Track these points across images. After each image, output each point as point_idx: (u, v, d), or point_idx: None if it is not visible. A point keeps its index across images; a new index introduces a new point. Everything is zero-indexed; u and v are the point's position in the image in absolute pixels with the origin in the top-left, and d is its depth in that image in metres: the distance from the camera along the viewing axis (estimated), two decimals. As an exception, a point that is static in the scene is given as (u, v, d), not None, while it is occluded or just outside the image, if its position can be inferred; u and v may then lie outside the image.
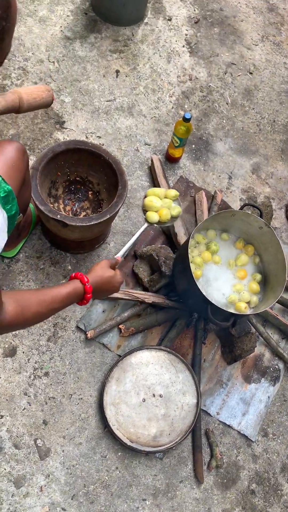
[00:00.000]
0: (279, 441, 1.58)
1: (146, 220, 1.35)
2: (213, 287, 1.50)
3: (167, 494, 1.40)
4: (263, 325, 1.69)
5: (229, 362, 1.61)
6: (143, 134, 1.92)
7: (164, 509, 1.38)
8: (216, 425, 1.53)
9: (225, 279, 1.52)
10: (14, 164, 1.09)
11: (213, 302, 1.35)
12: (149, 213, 1.35)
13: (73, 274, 1.01)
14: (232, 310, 1.43)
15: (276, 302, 1.44)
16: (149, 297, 1.56)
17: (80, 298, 0.99)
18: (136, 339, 1.57)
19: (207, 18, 2.33)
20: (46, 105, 1.38)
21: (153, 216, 1.33)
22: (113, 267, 1.13)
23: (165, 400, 1.47)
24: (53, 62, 1.95)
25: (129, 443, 1.40)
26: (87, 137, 1.84)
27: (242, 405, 1.58)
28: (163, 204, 1.36)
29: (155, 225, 1.34)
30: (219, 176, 1.93)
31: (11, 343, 1.45)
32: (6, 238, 0.62)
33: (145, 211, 1.36)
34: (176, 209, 1.37)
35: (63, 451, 1.36)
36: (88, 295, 0.99)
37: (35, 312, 0.87)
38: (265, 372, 1.64)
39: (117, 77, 2.01)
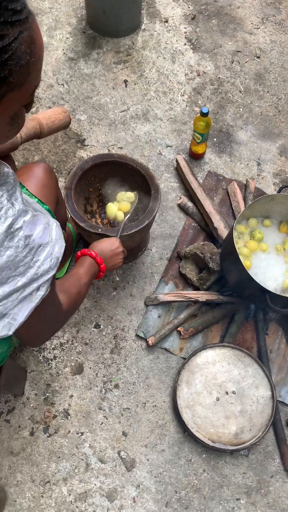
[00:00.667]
0: None
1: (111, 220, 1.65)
2: (265, 275, 1.66)
3: (260, 491, 1.54)
4: None
5: (296, 348, 1.76)
6: (163, 137, 2.14)
7: (260, 506, 1.51)
8: (295, 414, 1.66)
9: (276, 266, 1.68)
10: (45, 184, 1.30)
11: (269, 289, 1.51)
12: (108, 210, 1.64)
13: (79, 252, 1.24)
14: (289, 294, 1.59)
15: None
16: (202, 296, 1.73)
17: (96, 267, 1.22)
18: (197, 339, 1.74)
19: (203, 12, 2.58)
20: (65, 126, 1.61)
21: (112, 209, 1.63)
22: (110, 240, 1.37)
23: (239, 396, 1.62)
24: (62, 84, 2.22)
25: (211, 443, 1.55)
26: (109, 150, 2.07)
27: None
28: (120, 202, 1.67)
29: (123, 218, 1.60)
30: (247, 164, 2.13)
31: (76, 360, 1.63)
32: (64, 244, 0.78)
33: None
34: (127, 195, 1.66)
35: (147, 460, 1.52)
36: (102, 266, 1.23)
37: (75, 293, 1.05)
38: None
39: (126, 86, 2.26)
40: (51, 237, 0.72)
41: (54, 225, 0.75)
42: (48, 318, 0.90)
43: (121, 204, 1.65)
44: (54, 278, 0.80)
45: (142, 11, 2.46)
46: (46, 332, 0.95)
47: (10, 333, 0.71)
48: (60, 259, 0.73)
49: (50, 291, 0.79)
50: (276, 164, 2.15)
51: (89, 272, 1.18)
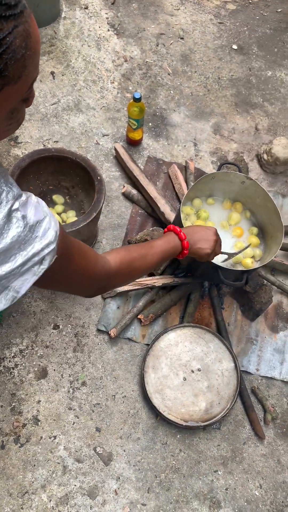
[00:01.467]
0: None
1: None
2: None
3: (235, 459, 1.56)
4: (272, 274, 1.87)
5: (252, 319, 1.78)
6: (98, 127, 2.06)
7: (237, 473, 1.53)
8: (259, 381, 1.69)
9: (224, 241, 1.68)
10: None
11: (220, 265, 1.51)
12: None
13: (171, 226, 1.18)
14: (240, 268, 1.60)
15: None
16: (157, 281, 1.71)
17: (178, 251, 1.18)
18: (158, 324, 1.71)
19: (122, -4, 2.49)
20: None
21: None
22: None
23: (204, 373, 1.63)
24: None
25: (184, 423, 1.54)
26: (44, 145, 1.97)
27: (277, 355, 1.75)
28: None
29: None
30: (185, 146, 2.10)
31: (39, 365, 1.56)
32: (57, 219, 0.80)
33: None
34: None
35: (124, 451, 1.49)
36: (185, 243, 1.17)
37: (137, 259, 1.03)
38: (288, 318, 1.82)
39: (54, 78, 2.15)
40: (45, 213, 0.72)
41: (42, 202, 0.75)
42: (82, 269, 0.88)
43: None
44: (68, 237, 0.81)
45: (60, -1, 2.34)
46: (88, 283, 0.93)
47: (12, 302, 0.73)
48: (58, 232, 0.74)
49: (70, 248, 0.80)
50: (212, 142, 2.14)
51: (166, 246, 1.13)
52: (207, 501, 1.48)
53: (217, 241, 1.29)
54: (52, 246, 0.72)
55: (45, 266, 0.73)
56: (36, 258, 0.71)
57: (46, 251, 0.72)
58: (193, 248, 1.22)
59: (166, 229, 1.20)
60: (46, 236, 0.71)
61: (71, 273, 0.86)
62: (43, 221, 0.71)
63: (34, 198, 0.72)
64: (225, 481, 1.52)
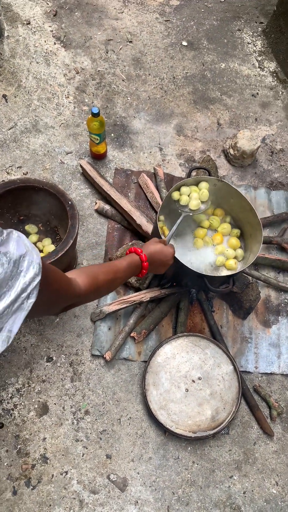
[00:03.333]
0: None
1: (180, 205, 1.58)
2: (198, 259, 1.63)
3: (248, 461, 1.55)
4: (256, 269, 1.86)
5: (243, 317, 1.77)
6: (60, 145, 2.00)
7: (252, 475, 1.53)
8: (259, 378, 1.69)
9: (206, 251, 1.65)
10: None
11: (205, 273, 1.48)
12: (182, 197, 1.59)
13: (133, 249, 1.25)
14: (225, 272, 1.58)
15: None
16: (144, 295, 1.67)
17: (139, 269, 1.24)
18: (152, 338, 1.68)
19: (63, 6, 2.41)
20: None
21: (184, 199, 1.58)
22: (162, 243, 1.37)
23: (205, 380, 1.61)
24: None
25: (193, 435, 1.52)
26: (8, 172, 1.90)
27: (273, 349, 1.74)
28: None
29: (189, 213, 1.56)
30: (150, 152, 2.06)
31: (39, 401, 1.51)
32: (39, 252, 0.79)
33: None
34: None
35: (138, 473, 1.46)
36: (144, 271, 1.23)
37: (104, 280, 1.07)
38: (278, 311, 1.82)
39: (6, 101, 2.06)
40: (26, 247, 0.71)
41: (23, 236, 0.74)
42: (53, 292, 0.87)
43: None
44: (44, 261, 0.79)
45: (0, 17, 2.24)
46: (58, 305, 0.93)
47: (9, 344, 0.71)
48: (41, 264, 0.73)
49: (46, 272, 0.78)
50: (177, 145, 2.11)
51: (128, 266, 1.19)
52: (227, 508, 1.47)
53: (173, 254, 1.39)
54: (38, 279, 0.72)
55: (32, 299, 0.72)
56: (24, 294, 0.70)
57: (33, 284, 0.71)
58: (151, 271, 1.33)
59: (132, 249, 1.27)
60: (31, 270, 0.71)
61: (46, 300, 0.85)
62: (26, 255, 0.71)
63: (15, 233, 0.71)
64: (242, 484, 1.51)
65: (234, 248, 1.63)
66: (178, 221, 1.51)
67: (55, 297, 0.88)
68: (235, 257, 1.62)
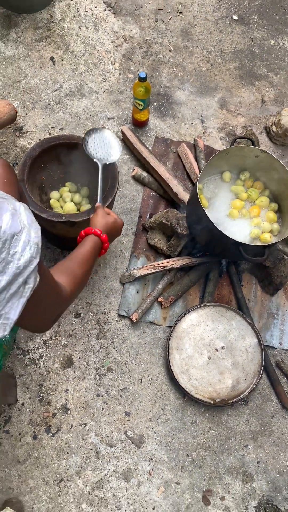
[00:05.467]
0: None
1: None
2: (233, 230, 1.59)
3: (264, 432, 1.53)
4: (288, 247, 1.81)
5: (272, 294, 1.73)
6: (103, 110, 1.98)
7: (267, 446, 1.51)
8: (283, 354, 1.65)
9: (241, 218, 1.61)
10: (6, 180, 1.15)
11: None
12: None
13: (83, 232, 1.12)
14: (259, 243, 1.54)
15: (297, 218, 1.55)
16: (175, 262, 1.65)
17: (100, 249, 1.13)
18: (178, 305, 1.66)
19: (116, -27, 2.36)
20: (12, 120, 1.42)
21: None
22: (108, 212, 1.25)
23: (229, 350, 1.58)
24: (-14, 72, 1.98)
25: (212, 401, 1.51)
26: (50, 133, 1.89)
27: (299, 328, 1.70)
28: None
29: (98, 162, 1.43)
30: (192, 123, 2.01)
31: (64, 354, 1.53)
32: (39, 227, 0.68)
33: None
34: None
35: (155, 433, 1.46)
36: (106, 245, 1.12)
37: (81, 274, 0.99)
38: (308, 290, 1.76)
39: (54, 64, 2.05)
40: (22, 223, 0.61)
41: (22, 208, 0.64)
42: (49, 304, 0.81)
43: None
44: (42, 265, 0.71)
45: (53, -19, 2.22)
46: (50, 317, 0.85)
47: (6, 333, 0.63)
48: (40, 244, 0.64)
49: (43, 278, 0.69)
50: (219, 118, 2.05)
51: (94, 251, 1.09)
52: (239, 475, 1.46)
53: (120, 222, 1.26)
54: (35, 262, 0.63)
55: (30, 285, 0.64)
56: (21, 279, 0.62)
57: (30, 268, 0.62)
58: (111, 241, 1.21)
59: (83, 233, 1.13)
60: (27, 252, 0.61)
61: (49, 299, 0.79)
62: (21, 233, 0.61)
63: (9, 205, 0.61)
64: (256, 454, 1.49)
65: (270, 222, 1.58)
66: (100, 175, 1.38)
67: (52, 297, 0.81)
68: (271, 231, 1.57)
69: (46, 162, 1.59)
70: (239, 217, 1.58)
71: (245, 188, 1.63)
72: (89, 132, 1.46)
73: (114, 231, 1.21)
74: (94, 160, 1.43)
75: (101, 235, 1.11)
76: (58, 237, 1.60)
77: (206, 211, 1.45)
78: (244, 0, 2.39)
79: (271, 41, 2.30)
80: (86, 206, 1.62)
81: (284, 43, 2.30)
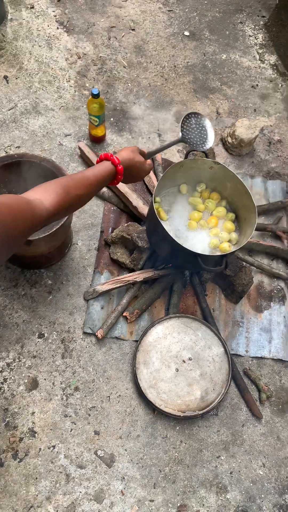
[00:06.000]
0: (309, 350, 1.75)
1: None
2: (192, 241, 1.61)
3: (236, 442, 1.54)
4: (250, 255, 1.85)
5: (236, 302, 1.76)
6: (60, 127, 1.98)
7: (239, 455, 1.51)
8: (250, 362, 1.67)
9: (200, 234, 1.64)
10: None
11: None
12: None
13: (103, 155, 1.08)
14: (218, 253, 1.57)
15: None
16: (138, 276, 1.66)
17: (112, 179, 1.08)
18: (144, 319, 1.67)
19: (68, -8, 2.40)
20: None
21: None
22: (142, 154, 1.20)
23: (196, 361, 1.59)
24: None
25: (182, 414, 1.51)
26: (6, 152, 1.88)
27: (265, 334, 1.73)
28: None
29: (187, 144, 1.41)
30: (149, 137, 2.05)
31: (29, 376, 1.49)
32: None
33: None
34: None
35: (126, 450, 1.45)
36: (120, 177, 1.08)
37: (76, 195, 0.95)
38: (271, 296, 1.80)
39: (8, 82, 2.05)
40: None
41: None
42: (14, 219, 0.78)
43: None
44: None
45: (3, 0, 2.23)
46: (22, 230, 0.81)
47: None
48: None
49: (6, 206, 0.73)
50: (175, 131, 2.09)
51: (102, 177, 1.04)
52: (213, 487, 1.45)
53: (148, 169, 1.22)
54: None
55: None
56: None
57: None
58: (127, 179, 1.17)
59: (102, 155, 1.10)
60: None
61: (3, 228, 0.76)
62: None
63: None
64: (229, 465, 1.50)
65: (228, 232, 1.62)
66: (171, 142, 1.36)
67: (13, 224, 0.78)
68: (229, 240, 1.60)
69: (0, 182, 1.58)
70: (198, 228, 1.61)
71: (202, 199, 1.66)
72: (189, 115, 1.42)
73: (134, 170, 1.15)
74: (185, 140, 1.39)
75: (118, 165, 1.07)
76: (17, 256, 1.58)
77: (165, 223, 1.46)
78: (194, 16, 2.47)
79: (222, 55, 2.38)
80: None
81: (235, 57, 2.39)
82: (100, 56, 2.22)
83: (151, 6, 2.46)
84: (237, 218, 1.65)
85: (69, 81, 2.12)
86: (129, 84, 2.17)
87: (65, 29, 2.26)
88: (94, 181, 1.01)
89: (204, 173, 1.63)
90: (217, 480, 1.47)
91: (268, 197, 2.01)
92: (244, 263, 1.75)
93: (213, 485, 1.46)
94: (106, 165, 1.06)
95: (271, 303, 1.79)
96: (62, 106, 2.04)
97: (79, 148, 1.89)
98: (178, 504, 1.41)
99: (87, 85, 2.13)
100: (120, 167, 1.07)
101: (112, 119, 2.06)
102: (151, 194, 1.89)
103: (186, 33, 2.40)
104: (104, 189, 1.83)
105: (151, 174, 1.88)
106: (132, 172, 1.15)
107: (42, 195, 0.87)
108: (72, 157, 1.92)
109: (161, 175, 1.89)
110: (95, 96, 1.73)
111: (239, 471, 1.49)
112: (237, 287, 1.70)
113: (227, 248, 1.57)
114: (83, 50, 2.22)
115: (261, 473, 1.50)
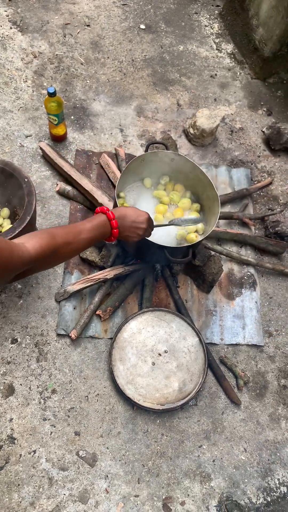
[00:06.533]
0: (283, 333, 1.79)
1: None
2: (159, 234, 1.62)
3: (217, 430, 1.56)
4: (219, 244, 1.87)
5: (208, 291, 1.77)
6: (20, 129, 1.95)
7: (221, 443, 1.53)
8: (225, 350, 1.70)
9: (166, 221, 1.65)
10: None
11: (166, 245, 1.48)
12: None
13: (99, 208, 1.11)
14: (185, 244, 1.58)
15: (219, 218, 1.60)
16: (108, 273, 1.65)
17: (108, 234, 1.11)
18: (118, 316, 1.67)
19: (19, -9, 2.36)
20: None
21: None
22: (150, 222, 1.24)
23: (171, 353, 1.60)
24: None
25: (161, 407, 1.52)
26: None
27: (238, 321, 1.75)
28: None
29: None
30: (111, 133, 2.04)
31: (4, 382, 1.48)
32: None
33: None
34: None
35: (107, 448, 1.45)
36: (115, 230, 1.10)
37: (63, 243, 0.96)
38: (241, 283, 1.83)
39: None
40: None
41: None
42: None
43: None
44: None
45: None
46: (2, 275, 0.83)
47: None
48: None
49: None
50: (137, 126, 2.09)
51: (94, 229, 1.06)
52: (197, 476, 1.47)
53: (147, 229, 1.25)
54: None
55: None
56: None
57: None
58: (122, 235, 1.18)
59: (98, 209, 1.13)
60: None
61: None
62: None
63: None
64: (211, 453, 1.52)
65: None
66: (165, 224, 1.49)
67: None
68: (196, 231, 1.62)
69: None
70: (164, 220, 1.61)
71: (166, 192, 1.67)
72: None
73: (130, 217, 1.17)
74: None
75: (112, 219, 1.10)
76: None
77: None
78: (149, 9, 2.47)
79: (180, 47, 2.38)
80: (8, 227, 1.59)
81: (193, 47, 2.40)
82: (57, 54, 2.20)
83: (105, 1, 2.45)
84: (203, 208, 1.66)
85: (26, 81, 2.09)
86: (88, 81, 2.16)
87: (18, 29, 2.23)
88: (85, 230, 1.04)
89: (166, 166, 1.63)
90: (200, 469, 1.48)
91: (233, 185, 2.03)
92: (213, 252, 1.77)
93: (196, 474, 1.47)
94: (100, 218, 1.10)
95: (242, 289, 1.82)
96: (20, 107, 2.01)
97: (41, 149, 1.87)
98: (163, 497, 1.42)
99: (45, 84, 2.10)
100: (114, 221, 1.11)
101: (72, 117, 2.04)
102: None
103: (142, 26, 2.40)
104: (69, 188, 1.81)
105: (115, 169, 1.88)
106: (127, 226, 1.17)
107: (27, 239, 0.90)
108: (34, 158, 1.89)
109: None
110: (52, 94, 1.71)
111: (222, 458, 1.51)
112: (207, 277, 1.71)
113: (194, 238, 1.59)
114: (38, 49, 2.20)
115: (243, 458, 1.52)
